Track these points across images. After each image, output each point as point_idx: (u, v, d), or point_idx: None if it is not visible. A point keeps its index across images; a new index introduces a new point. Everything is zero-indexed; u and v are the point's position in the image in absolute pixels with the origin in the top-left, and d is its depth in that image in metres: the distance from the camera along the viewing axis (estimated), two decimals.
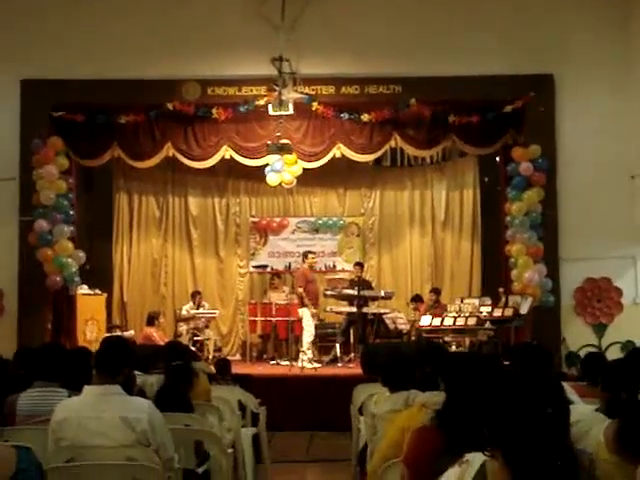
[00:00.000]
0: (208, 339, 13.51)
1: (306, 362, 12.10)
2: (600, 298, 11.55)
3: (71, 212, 11.72)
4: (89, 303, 11.98)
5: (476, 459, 2.27)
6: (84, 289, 11.94)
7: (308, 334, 12.46)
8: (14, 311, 11.46)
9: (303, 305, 12.51)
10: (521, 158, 11.44)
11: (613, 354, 10.30)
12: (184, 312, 13.68)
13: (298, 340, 12.68)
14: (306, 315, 12.48)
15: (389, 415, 4.66)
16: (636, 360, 3.55)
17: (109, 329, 12.38)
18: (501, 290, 11.94)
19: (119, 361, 4.40)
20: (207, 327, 13.75)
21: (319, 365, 12.24)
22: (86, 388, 4.40)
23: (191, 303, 13.79)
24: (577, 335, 11.35)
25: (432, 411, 3.64)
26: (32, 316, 11.38)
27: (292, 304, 13.04)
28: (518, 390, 2.06)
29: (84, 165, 12.43)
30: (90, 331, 11.61)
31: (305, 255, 13.09)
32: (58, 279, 11.36)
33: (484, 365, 3.32)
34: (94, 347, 5.51)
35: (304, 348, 12.38)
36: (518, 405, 2.01)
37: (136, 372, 6.35)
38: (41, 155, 11.37)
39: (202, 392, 6.51)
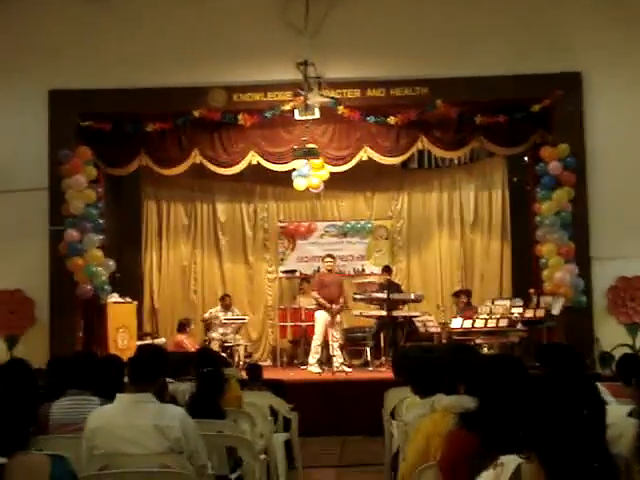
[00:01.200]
0: (238, 345, 13.53)
1: (313, 366, 12.20)
2: (633, 297, 11.40)
3: (100, 221, 11.77)
4: (120, 311, 12.01)
5: (511, 462, 2.24)
6: (115, 297, 11.98)
7: (315, 337, 12.47)
8: (46, 320, 11.52)
9: (318, 309, 12.55)
10: (550, 157, 11.33)
11: None
12: (211, 313, 13.71)
13: (327, 345, 12.68)
14: (318, 319, 12.47)
15: (417, 421, 4.63)
16: None
17: (140, 337, 12.44)
18: (532, 291, 11.83)
19: (154, 370, 4.41)
20: (237, 333, 13.77)
21: (322, 370, 12.21)
22: (119, 396, 4.42)
23: (219, 307, 13.82)
24: (610, 335, 11.20)
25: (456, 415, 3.61)
26: (63, 325, 11.42)
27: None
28: (554, 391, 2.03)
29: (112, 174, 12.49)
30: (121, 339, 11.65)
31: (322, 259, 13.11)
32: (89, 288, 11.41)
33: (515, 366, 3.28)
34: (126, 355, 5.53)
35: (313, 352, 12.43)
36: (554, 406, 1.98)
37: (167, 379, 6.40)
38: (70, 165, 11.42)
39: (234, 398, 6.50)
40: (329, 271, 12.92)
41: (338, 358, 12.36)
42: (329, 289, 12.64)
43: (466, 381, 3.71)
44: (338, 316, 12.67)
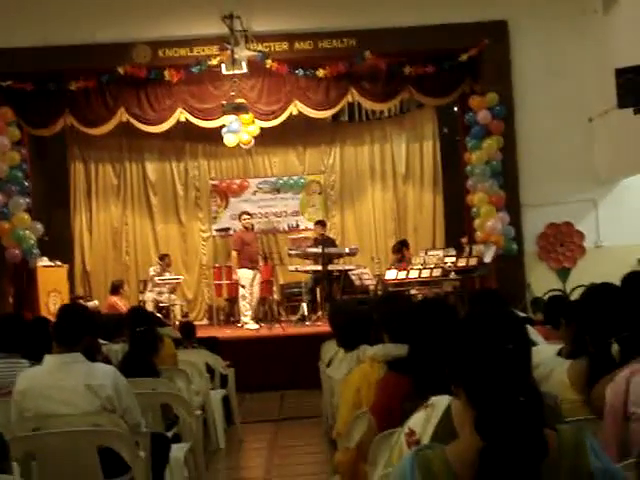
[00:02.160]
0: (174, 305, 13.43)
1: (249, 323, 12.28)
2: (563, 242, 11.61)
3: (26, 183, 11.51)
4: (50, 275, 11.80)
5: (441, 401, 2.24)
6: (44, 261, 11.75)
7: (243, 295, 12.52)
8: None
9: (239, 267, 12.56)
10: (478, 107, 11.40)
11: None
12: (151, 273, 13.58)
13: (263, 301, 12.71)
14: (243, 277, 12.47)
15: (345, 376, 4.60)
16: (595, 295, 3.54)
17: (72, 300, 12.22)
18: (464, 240, 11.96)
19: (77, 330, 4.31)
20: (173, 293, 13.64)
21: (260, 326, 12.26)
22: (47, 357, 4.33)
23: (158, 267, 13.68)
24: (542, 280, 11.39)
25: (383, 363, 3.61)
26: None
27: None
28: (478, 327, 2.02)
29: (36, 135, 12.19)
30: (53, 303, 11.44)
31: (239, 217, 13.02)
32: (17, 252, 11.17)
33: (441, 308, 3.29)
34: None
35: (243, 310, 12.50)
36: (478, 341, 1.97)
37: (101, 341, 6.31)
38: None
39: (168, 357, 6.47)
40: (246, 229, 12.88)
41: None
42: (250, 247, 12.65)
43: (393, 328, 3.70)
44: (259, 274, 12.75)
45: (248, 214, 13.13)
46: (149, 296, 13.30)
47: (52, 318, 6.09)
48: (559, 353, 3.84)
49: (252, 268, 12.57)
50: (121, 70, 11.41)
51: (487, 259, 11.15)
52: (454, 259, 11.55)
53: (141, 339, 5.90)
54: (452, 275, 11.47)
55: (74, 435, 4.10)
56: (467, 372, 1.97)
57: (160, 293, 13.38)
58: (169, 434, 5.34)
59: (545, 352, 3.90)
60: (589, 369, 3.34)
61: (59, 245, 13.16)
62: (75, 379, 4.19)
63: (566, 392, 3.37)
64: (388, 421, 3.14)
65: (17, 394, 4.25)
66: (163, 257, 13.88)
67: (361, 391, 3.74)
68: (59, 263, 12.14)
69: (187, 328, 8.54)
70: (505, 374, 1.90)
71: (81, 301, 12.33)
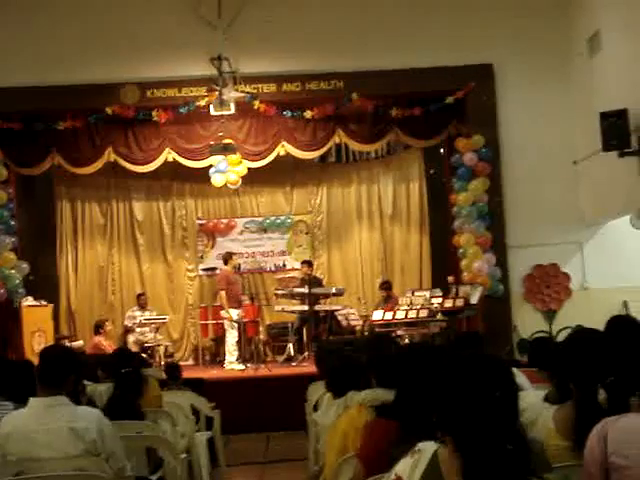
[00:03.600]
0: (159, 345, 13.34)
1: (235, 364, 12.20)
2: (549, 284, 11.64)
3: (12, 222, 11.49)
4: (35, 315, 11.72)
5: (428, 448, 2.23)
6: (29, 301, 11.69)
7: (232, 336, 12.45)
8: None
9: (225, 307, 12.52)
10: (465, 148, 11.49)
11: None
12: (129, 314, 13.53)
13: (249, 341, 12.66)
14: (232, 316, 12.46)
15: (332, 422, 4.53)
16: (579, 341, 3.54)
17: (57, 340, 12.12)
18: (451, 279, 11.97)
19: (62, 371, 4.27)
20: (157, 333, 13.57)
21: (246, 367, 12.13)
22: (31, 400, 4.28)
23: (136, 306, 13.64)
24: (528, 322, 11.41)
25: (371, 408, 3.59)
26: None
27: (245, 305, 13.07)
28: (465, 374, 2.02)
29: (24, 174, 12.18)
30: (38, 343, 11.36)
31: (229, 256, 13.01)
32: (1, 291, 11.12)
33: (429, 353, 3.28)
34: None
35: (229, 350, 12.43)
36: (466, 388, 1.97)
37: (85, 382, 6.25)
38: None
39: (153, 398, 6.40)
40: (234, 268, 12.91)
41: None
42: (235, 286, 12.67)
43: (380, 372, 3.69)
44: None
45: (234, 254, 13.15)
46: (134, 336, 13.22)
47: (36, 358, 6.05)
48: (546, 398, 3.83)
49: (238, 307, 12.55)
50: (109, 110, 11.46)
51: (474, 300, 11.15)
52: (441, 300, 11.54)
53: (126, 381, 5.86)
54: (439, 316, 11.45)
55: (58, 479, 4.04)
56: (454, 420, 1.96)
57: (143, 333, 13.31)
58: (154, 477, 5.29)
59: (531, 397, 3.89)
60: (575, 415, 3.34)
61: (44, 284, 13.09)
62: (59, 422, 4.14)
63: (552, 438, 3.36)
64: (375, 466, 3.12)
65: (0, 437, 4.20)
66: (139, 296, 13.85)
67: (348, 436, 3.72)
68: (44, 302, 12.08)
69: (172, 369, 8.48)
70: (492, 422, 1.90)
71: (66, 341, 12.28)
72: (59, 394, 4.20)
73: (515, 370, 3.56)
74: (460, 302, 11.24)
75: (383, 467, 2.71)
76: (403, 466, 2.28)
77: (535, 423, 3.47)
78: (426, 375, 2.92)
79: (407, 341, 11.22)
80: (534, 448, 2.62)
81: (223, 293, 12.50)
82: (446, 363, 2.11)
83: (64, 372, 4.28)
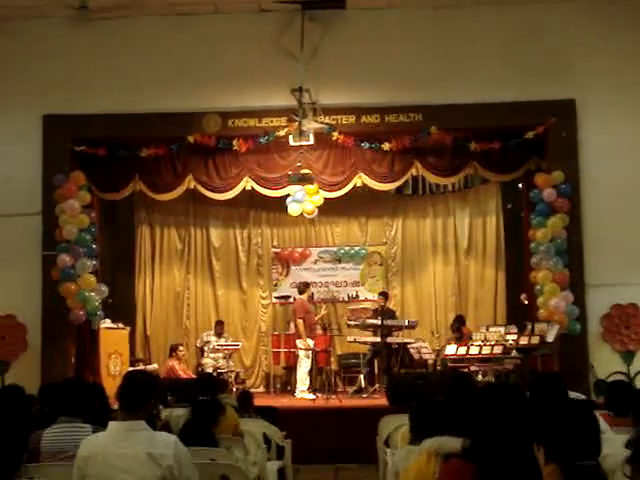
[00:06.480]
0: (231, 371, 13.45)
1: (306, 393, 12.28)
2: (628, 325, 11.37)
3: (93, 246, 11.72)
4: (112, 337, 11.94)
5: None
6: (107, 323, 11.92)
7: (305, 365, 12.52)
8: (38, 346, 11.41)
9: (300, 336, 12.62)
10: (544, 184, 11.34)
11: None
12: (204, 337, 13.70)
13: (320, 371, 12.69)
14: (302, 347, 12.52)
15: (407, 463, 4.37)
16: None
17: (132, 363, 12.35)
18: (523, 297, 11.78)
19: (142, 396, 4.34)
20: (230, 359, 13.69)
21: (317, 396, 12.17)
22: (111, 424, 4.36)
23: (212, 331, 13.81)
24: (605, 362, 11.15)
25: (440, 457, 3.52)
26: (55, 351, 11.32)
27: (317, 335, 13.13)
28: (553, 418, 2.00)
29: (106, 199, 12.46)
30: (114, 365, 11.57)
31: (305, 286, 13.09)
32: (81, 313, 11.34)
33: (510, 394, 3.22)
34: (118, 381, 5.47)
35: (301, 379, 12.51)
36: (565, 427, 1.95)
37: (160, 406, 6.34)
38: (63, 190, 11.39)
39: (230, 427, 6.44)
40: (310, 298, 13.04)
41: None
42: (311, 315, 12.81)
43: (456, 417, 3.60)
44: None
45: (308, 284, 13.27)
46: (208, 361, 13.36)
47: (112, 380, 6.16)
48: (627, 444, 3.72)
49: (312, 337, 12.62)
50: (191, 139, 11.66)
51: (550, 338, 10.95)
52: (516, 337, 11.37)
53: (203, 408, 5.92)
54: (513, 353, 11.31)
55: None
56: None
57: (216, 358, 13.44)
58: None
59: (613, 442, 3.79)
60: None
61: (122, 308, 13.36)
62: (137, 447, 4.20)
63: None
64: None
65: (80, 460, 4.26)
66: (218, 323, 14.03)
67: None
68: (121, 325, 12.30)
69: (245, 397, 8.51)
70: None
71: (141, 364, 12.47)
72: (138, 419, 4.27)
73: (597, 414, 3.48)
74: (536, 339, 11.05)
75: None
76: None
77: (617, 471, 3.38)
78: (508, 416, 2.89)
79: (480, 377, 11.09)
80: None
81: (301, 322, 12.57)
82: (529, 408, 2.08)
83: (145, 397, 4.35)
